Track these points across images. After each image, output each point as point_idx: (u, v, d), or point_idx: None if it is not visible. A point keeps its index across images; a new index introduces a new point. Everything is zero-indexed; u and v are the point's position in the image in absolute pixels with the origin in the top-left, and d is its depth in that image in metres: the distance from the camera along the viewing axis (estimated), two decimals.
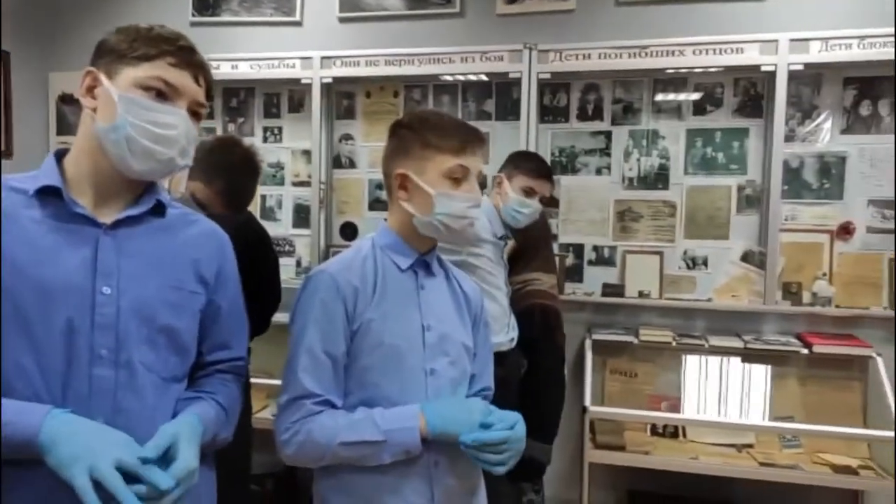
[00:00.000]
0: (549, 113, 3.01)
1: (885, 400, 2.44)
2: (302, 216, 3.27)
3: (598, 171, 2.99)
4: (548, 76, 2.87)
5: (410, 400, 1.18)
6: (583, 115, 3.00)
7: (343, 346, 1.19)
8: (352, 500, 1.19)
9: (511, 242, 2.31)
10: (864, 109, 2.69)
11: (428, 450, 1.17)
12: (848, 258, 2.72)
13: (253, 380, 2.08)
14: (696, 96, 2.86)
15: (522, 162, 2.27)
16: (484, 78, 3.01)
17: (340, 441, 1.14)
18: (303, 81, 3.10)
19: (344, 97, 3.25)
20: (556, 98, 3.02)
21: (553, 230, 2.87)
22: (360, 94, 3.22)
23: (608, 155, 2.96)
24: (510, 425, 1.17)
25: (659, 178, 2.92)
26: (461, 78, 3.05)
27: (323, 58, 3.07)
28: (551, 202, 2.95)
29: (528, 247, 2.34)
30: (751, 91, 2.80)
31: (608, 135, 2.95)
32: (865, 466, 2.51)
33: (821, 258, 2.75)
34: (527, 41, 2.86)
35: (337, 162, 3.26)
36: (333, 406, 1.18)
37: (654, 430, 2.85)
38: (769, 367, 2.74)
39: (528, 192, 2.19)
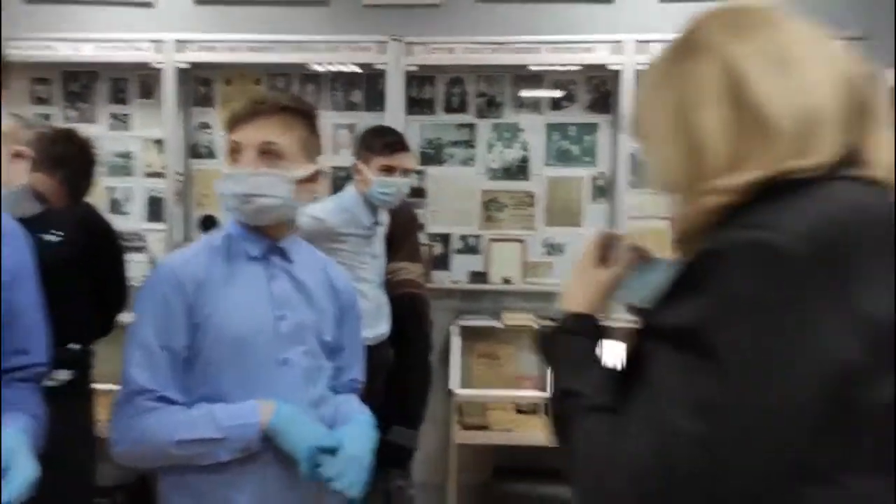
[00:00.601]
0: (417, 105, 3.06)
1: None
2: (155, 209, 3.09)
3: (465, 163, 3.08)
4: (414, 68, 2.91)
5: (261, 392, 1.16)
6: (449, 108, 3.07)
7: (183, 340, 1.15)
8: (192, 497, 1.16)
9: (381, 228, 2.30)
10: None
11: (269, 447, 1.15)
12: None
13: (98, 385, 1.96)
14: (553, 92, 3.02)
15: (373, 141, 2.21)
16: (352, 69, 3.00)
17: (177, 439, 1.11)
18: (154, 66, 2.92)
19: (201, 84, 3.10)
20: (422, 90, 3.07)
21: (421, 220, 2.93)
22: (220, 81, 3.09)
23: (473, 147, 3.06)
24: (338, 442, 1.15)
25: (520, 170, 3.06)
26: (328, 68, 3.01)
27: (177, 41, 2.91)
28: (418, 193, 3.00)
29: (394, 237, 2.37)
30: (601, 88, 3.00)
31: (473, 127, 3.05)
32: None
33: (664, 243, 3.01)
34: (393, 33, 2.88)
35: (195, 151, 3.11)
36: (172, 402, 1.14)
37: (519, 409, 3.00)
38: (622, 343, 2.97)
39: (388, 170, 2.15)
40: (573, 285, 0.86)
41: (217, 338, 1.16)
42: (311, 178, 1.26)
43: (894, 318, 0.59)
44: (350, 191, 2.22)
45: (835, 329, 0.58)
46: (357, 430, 1.22)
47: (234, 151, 1.20)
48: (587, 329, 0.81)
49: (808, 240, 0.59)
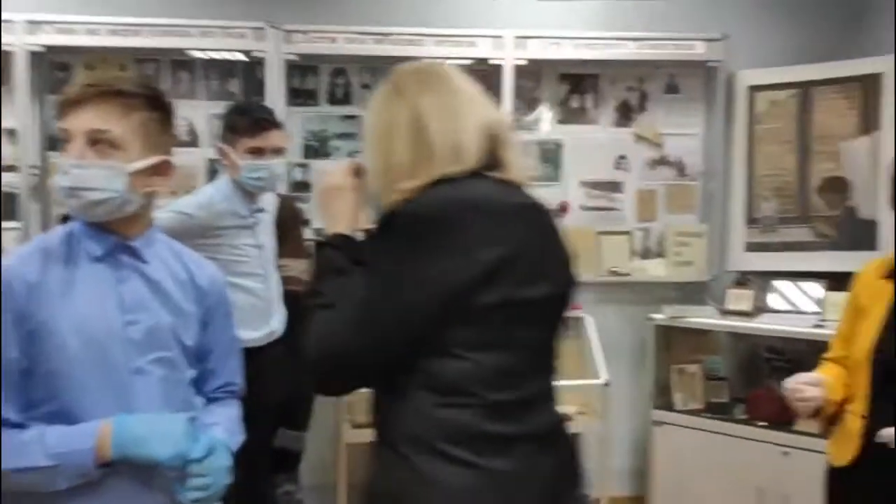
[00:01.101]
0: (300, 95, 2.96)
1: (593, 353, 2.87)
2: (9, 207, 2.80)
3: (351, 156, 3.01)
4: (295, 57, 2.81)
5: (113, 405, 1.08)
6: (333, 100, 3.00)
7: (13, 351, 1.05)
8: None
9: (266, 215, 2.16)
10: (575, 103, 3.09)
11: (118, 471, 1.07)
12: (565, 233, 3.11)
13: None
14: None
15: (237, 121, 2.03)
16: (227, 55, 2.85)
17: (9, 467, 1.01)
18: (3, 49, 2.64)
19: (59, 69, 2.84)
20: (305, 80, 2.98)
21: (305, 215, 2.85)
22: (80, 66, 2.85)
23: (359, 140, 3.01)
24: (208, 451, 1.10)
25: None
26: (201, 54, 2.85)
27: (29, 22, 2.65)
28: (302, 186, 2.92)
29: (277, 234, 2.28)
30: (483, 82, 3.03)
31: (358, 119, 3.00)
32: (582, 412, 2.93)
33: None
34: (271, 20, 2.77)
35: (52, 143, 2.85)
36: (7, 421, 1.04)
37: None
38: None
39: (256, 152, 1.98)
40: (333, 208, 1.11)
41: (58, 347, 1.06)
42: (158, 170, 1.16)
43: (495, 257, 0.96)
44: (222, 179, 2.08)
45: (449, 261, 0.95)
46: (212, 451, 1.13)
47: (64, 140, 1.10)
48: (345, 245, 1.06)
49: (437, 208, 0.97)
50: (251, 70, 2.89)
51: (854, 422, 1.45)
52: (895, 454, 1.27)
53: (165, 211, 1.91)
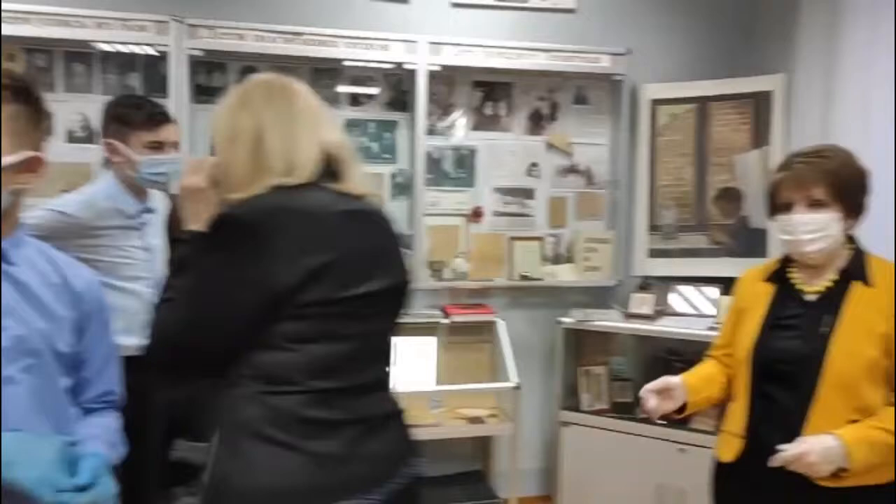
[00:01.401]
0: (205, 93, 2.85)
1: (504, 357, 2.91)
2: None
3: None
4: (200, 53, 2.71)
5: None
6: None
7: None
8: None
9: (155, 216, 2.04)
10: (489, 110, 3.14)
11: None
12: (479, 238, 3.16)
13: None
14: (351, 88, 2.99)
15: (131, 114, 1.90)
16: (125, 49, 2.71)
17: None
18: None
19: None
20: (212, 77, 2.87)
21: None
22: None
23: None
24: (93, 479, 1.04)
25: None
26: (99, 46, 2.69)
27: None
28: None
29: (168, 236, 2.16)
30: (398, 86, 3.03)
31: None
32: (493, 415, 2.97)
33: (458, 239, 3.14)
34: (175, 13, 2.66)
35: None
36: None
37: None
38: (425, 338, 3.04)
39: (156, 147, 1.88)
40: (193, 207, 1.16)
41: None
42: (28, 167, 1.07)
43: (318, 262, 1.04)
44: (106, 176, 1.97)
45: (270, 264, 1.02)
46: (98, 479, 1.06)
47: None
48: (196, 242, 1.12)
49: (262, 214, 1.04)
50: (153, 65, 2.76)
51: (735, 419, 1.53)
52: (775, 451, 1.35)
53: (40, 209, 1.79)
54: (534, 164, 3.20)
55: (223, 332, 1.04)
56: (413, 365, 3.00)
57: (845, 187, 1.42)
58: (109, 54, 2.74)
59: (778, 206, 1.49)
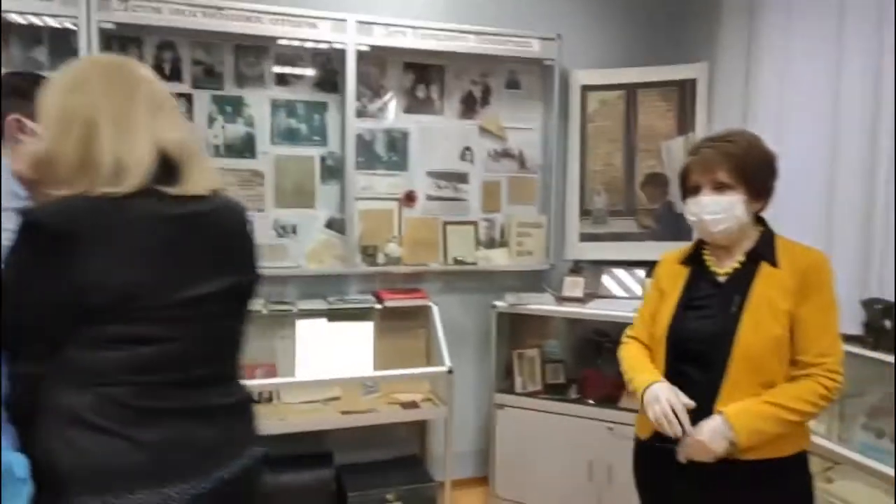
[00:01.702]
0: None
1: (439, 341, 2.91)
2: None
3: None
4: (112, 26, 2.54)
5: None
6: (159, 75, 2.75)
7: None
8: None
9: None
10: (421, 92, 3.09)
11: None
12: (412, 222, 3.13)
13: None
14: (278, 67, 2.89)
15: (36, 90, 1.82)
16: (29, 20, 2.52)
17: None
18: None
19: None
20: (127, 52, 2.70)
21: None
22: None
23: (190, 119, 2.80)
24: None
25: (246, 147, 2.89)
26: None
27: None
28: None
29: None
30: (328, 66, 2.95)
31: (189, 98, 2.79)
32: (428, 399, 2.97)
33: (392, 223, 3.10)
34: None
35: None
36: None
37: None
38: (358, 323, 3.00)
39: None
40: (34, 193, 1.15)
41: None
42: None
43: (138, 272, 1.03)
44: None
45: (75, 274, 0.99)
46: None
47: None
48: None
49: (72, 224, 0.99)
50: (61, 38, 2.58)
51: None
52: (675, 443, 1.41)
53: None
54: (467, 148, 3.18)
55: (20, 333, 1.03)
56: (348, 351, 2.95)
57: (750, 170, 1.46)
58: (13, 26, 2.54)
59: (688, 189, 1.54)
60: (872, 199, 2.31)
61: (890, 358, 2.06)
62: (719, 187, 1.47)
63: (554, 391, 3.10)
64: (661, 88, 3.18)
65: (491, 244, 3.26)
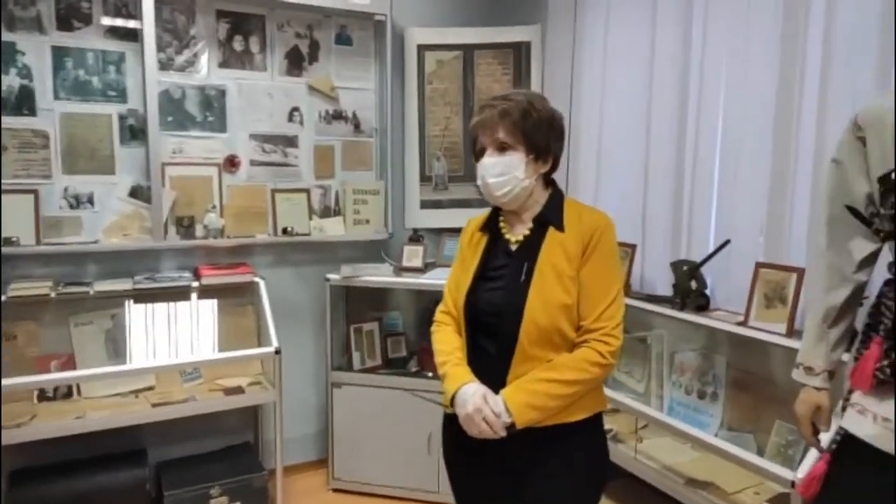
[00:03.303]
0: None
1: (267, 319, 2.67)
2: None
3: None
4: None
5: None
6: None
7: None
8: None
9: None
10: (238, 45, 2.78)
11: None
12: (235, 190, 2.84)
13: None
14: (57, 8, 2.45)
15: None
16: None
17: None
18: None
19: None
20: None
21: None
22: None
23: None
24: None
25: (24, 103, 2.44)
26: None
27: None
28: None
29: None
30: (122, 10, 2.55)
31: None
32: (257, 383, 2.73)
33: (211, 191, 2.79)
34: None
35: None
36: None
37: (44, 396, 2.50)
38: (178, 304, 2.68)
39: None
40: None
41: None
42: None
43: None
44: None
45: None
46: None
47: None
48: None
49: None
50: None
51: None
52: None
53: None
54: (295, 109, 2.93)
55: None
56: (165, 334, 2.64)
57: (529, 128, 1.38)
58: None
59: (477, 152, 1.45)
60: (681, 164, 2.37)
61: (696, 318, 2.13)
62: (501, 148, 1.39)
63: (395, 365, 2.99)
64: (496, 50, 3.10)
65: (326, 213, 3.05)
